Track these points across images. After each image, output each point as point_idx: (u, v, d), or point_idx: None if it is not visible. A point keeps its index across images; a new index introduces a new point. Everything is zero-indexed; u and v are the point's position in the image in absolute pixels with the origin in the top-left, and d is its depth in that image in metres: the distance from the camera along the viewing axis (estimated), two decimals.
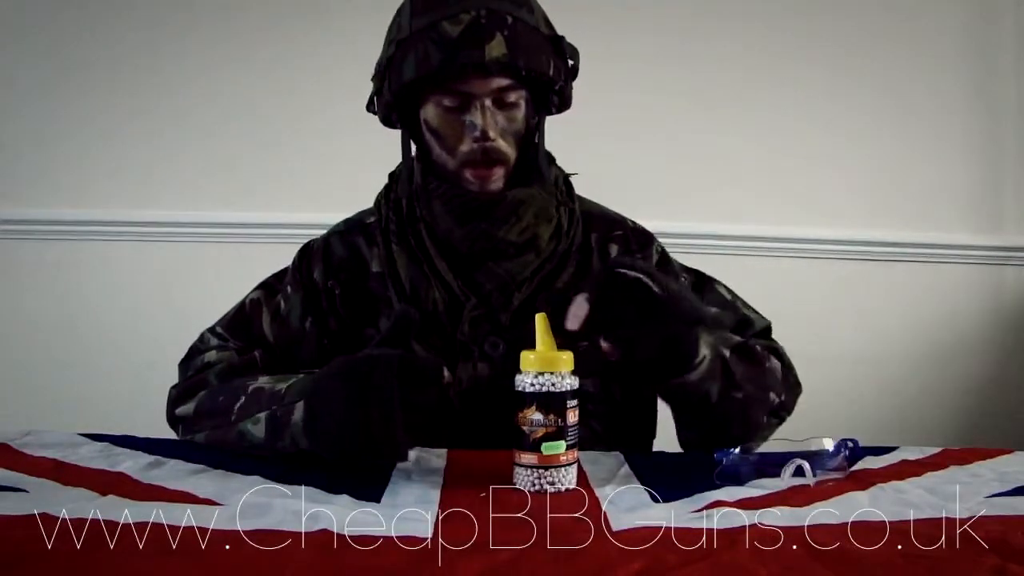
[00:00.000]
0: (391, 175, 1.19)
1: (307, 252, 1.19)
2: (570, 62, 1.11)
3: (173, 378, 1.12)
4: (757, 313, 1.21)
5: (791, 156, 2.23)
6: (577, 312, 0.88)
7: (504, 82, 1.05)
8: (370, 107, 1.14)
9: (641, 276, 0.89)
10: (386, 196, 1.18)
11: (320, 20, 2.20)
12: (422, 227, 1.13)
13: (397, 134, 1.13)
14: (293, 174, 2.19)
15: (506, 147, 1.08)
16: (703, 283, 1.21)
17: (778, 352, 1.15)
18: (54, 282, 2.21)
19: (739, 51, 2.22)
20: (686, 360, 0.93)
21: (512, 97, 1.07)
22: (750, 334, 1.16)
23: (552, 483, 0.85)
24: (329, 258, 1.16)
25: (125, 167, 2.21)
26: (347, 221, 1.21)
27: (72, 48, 2.21)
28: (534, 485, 0.85)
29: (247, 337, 1.15)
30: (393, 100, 1.09)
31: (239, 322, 1.17)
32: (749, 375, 1.02)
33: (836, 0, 2.25)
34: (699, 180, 2.18)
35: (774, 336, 1.19)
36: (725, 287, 1.21)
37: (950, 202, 2.26)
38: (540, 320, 0.89)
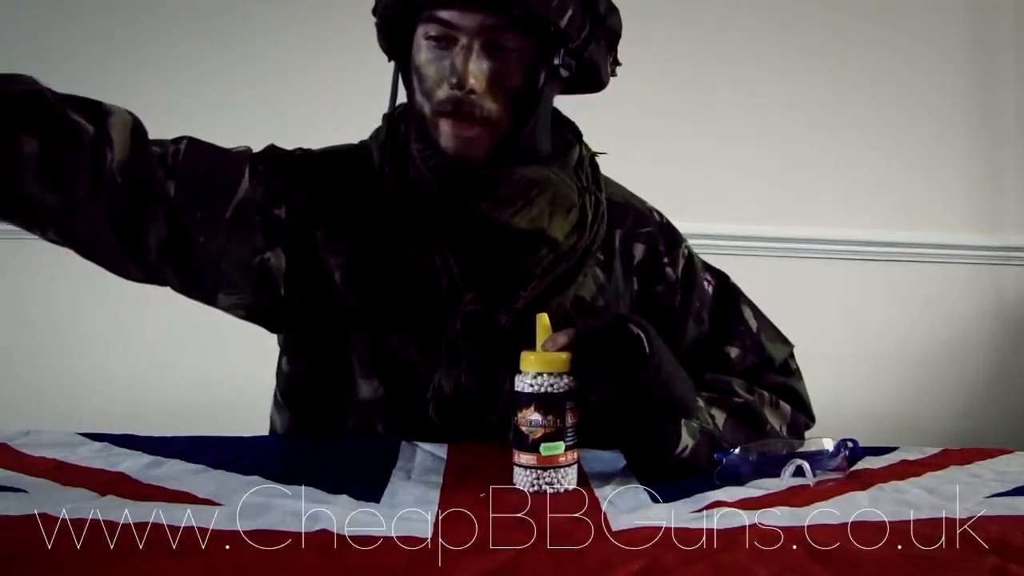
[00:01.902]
0: (385, 116, 1.02)
1: (308, 161, 1.01)
2: (607, 25, 0.95)
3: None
4: (780, 339, 1.11)
5: (791, 156, 2.23)
6: (557, 338, 0.86)
7: (492, 20, 0.89)
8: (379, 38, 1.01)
9: (641, 335, 0.85)
10: (382, 144, 1.01)
11: (323, 22, 2.20)
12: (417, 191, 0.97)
13: None
14: None
15: (490, 103, 0.91)
16: (729, 299, 1.11)
17: (793, 391, 1.07)
18: (54, 282, 2.21)
19: (739, 50, 2.22)
20: (664, 454, 0.90)
21: (508, 44, 0.90)
22: (770, 373, 1.08)
23: (551, 484, 0.85)
24: (327, 177, 0.99)
25: None
26: (348, 146, 1.05)
27: (71, 48, 2.21)
28: (533, 485, 0.85)
29: (190, 171, 0.92)
30: (384, 26, 0.96)
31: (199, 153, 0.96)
32: (743, 442, 0.94)
33: (837, 1, 2.25)
34: (699, 180, 2.18)
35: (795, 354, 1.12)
36: (751, 307, 1.11)
37: (950, 202, 2.26)
38: (541, 320, 0.89)
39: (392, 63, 1.01)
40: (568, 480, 0.86)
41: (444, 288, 0.98)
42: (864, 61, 2.24)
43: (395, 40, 0.97)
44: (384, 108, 1.02)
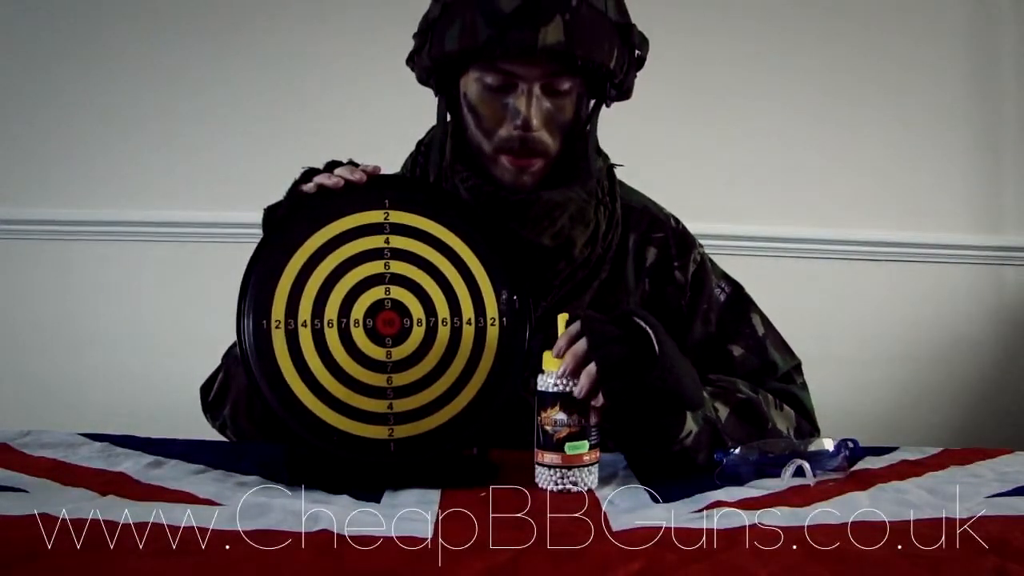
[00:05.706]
0: (419, 143, 1.10)
1: None
2: (637, 52, 1.04)
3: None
4: (786, 351, 1.13)
5: (791, 156, 2.23)
6: (560, 344, 0.87)
7: (556, 70, 0.97)
8: (409, 62, 1.06)
9: (649, 331, 0.85)
10: (412, 165, 1.09)
11: (322, 23, 2.19)
12: None
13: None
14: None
15: (548, 139, 1.00)
16: (739, 306, 1.13)
17: (796, 398, 1.08)
18: (54, 282, 2.21)
19: (739, 50, 2.22)
20: (668, 441, 0.90)
21: (564, 86, 0.99)
22: (772, 379, 1.09)
23: (575, 483, 0.85)
24: None
25: (125, 167, 2.21)
26: None
27: (73, 49, 2.21)
28: (557, 484, 0.85)
29: None
30: (432, 66, 1.01)
31: None
32: (745, 438, 0.96)
33: (838, 2, 2.25)
34: (699, 180, 2.18)
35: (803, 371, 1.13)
36: (760, 316, 1.13)
37: (950, 202, 2.26)
38: (563, 321, 0.89)
39: (426, 86, 1.06)
40: (592, 479, 0.86)
41: None
42: (864, 61, 2.24)
43: (443, 77, 1.03)
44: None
